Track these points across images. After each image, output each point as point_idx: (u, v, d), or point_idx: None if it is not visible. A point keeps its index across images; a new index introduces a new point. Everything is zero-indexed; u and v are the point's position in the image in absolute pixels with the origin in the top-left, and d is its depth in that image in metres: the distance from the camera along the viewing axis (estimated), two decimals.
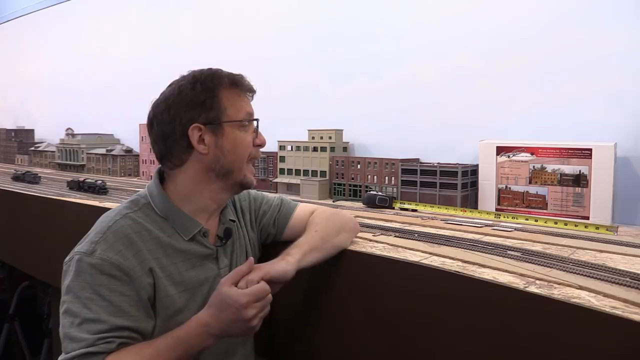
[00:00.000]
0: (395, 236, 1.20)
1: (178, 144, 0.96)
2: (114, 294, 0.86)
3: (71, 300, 0.85)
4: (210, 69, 1.00)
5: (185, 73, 1.00)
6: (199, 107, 0.95)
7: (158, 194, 0.99)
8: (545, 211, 1.49)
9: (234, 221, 1.08)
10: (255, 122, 1.02)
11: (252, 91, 1.02)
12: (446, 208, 1.56)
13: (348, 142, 2.07)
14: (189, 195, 0.99)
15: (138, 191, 1.04)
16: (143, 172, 2.74)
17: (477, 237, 1.21)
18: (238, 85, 0.99)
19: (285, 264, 0.95)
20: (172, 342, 0.86)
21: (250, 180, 1.02)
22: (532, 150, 1.52)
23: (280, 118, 2.36)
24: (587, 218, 1.42)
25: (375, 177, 1.82)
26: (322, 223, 1.09)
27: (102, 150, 3.00)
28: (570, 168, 1.45)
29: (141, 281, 0.89)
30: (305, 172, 2.03)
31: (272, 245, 1.16)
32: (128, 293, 0.87)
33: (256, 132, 1.02)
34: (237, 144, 0.98)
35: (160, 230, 0.96)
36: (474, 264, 0.95)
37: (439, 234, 1.22)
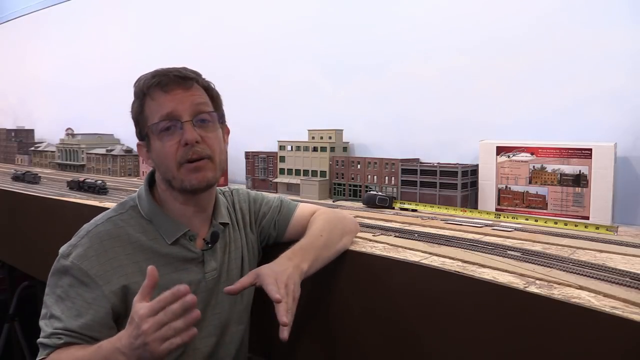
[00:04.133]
0: (395, 236, 1.20)
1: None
2: (78, 298, 0.90)
3: (48, 293, 0.93)
4: (142, 77, 0.96)
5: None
6: (136, 124, 0.98)
7: (145, 197, 1.00)
8: (545, 211, 1.49)
9: (225, 224, 1.07)
10: (171, 121, 0.92)
11: (175, 83, 0.93)
12: (446, 208, 1.56)
13: (348, 142, 2.07)
14: (163, 200, 1.01)
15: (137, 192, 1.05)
16: (143, 172, 2.74)
17: (477, 237, 1.21)
18: (154, 86, 0.93)
19: (287, 261, 0.93)
20: (96, 350, 0.82)
21: (189, 183, 0.94)
22: (532, 150, 1.52)
23: (280, 118, 2.37)
24: (587, 218, 1.42)
25: (375, 177, 1.82)
26: (326, 227, 1.06)
27: (102, 150, 3.00)
28: (570, 168, 1.45)
29: (107, 289, 0.90)
30: (305, 172, 2.03)
31: (273, 247, 1.16)
32: (90, 300, 0.89)
33: (161, 130, 0.93)
34: (159, 153, 0.95)
35: (144, 233, 0.97)
36: (474, 264, 0.95)
37: (439, 234, 1.22)
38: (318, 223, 1.09)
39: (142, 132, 0.97)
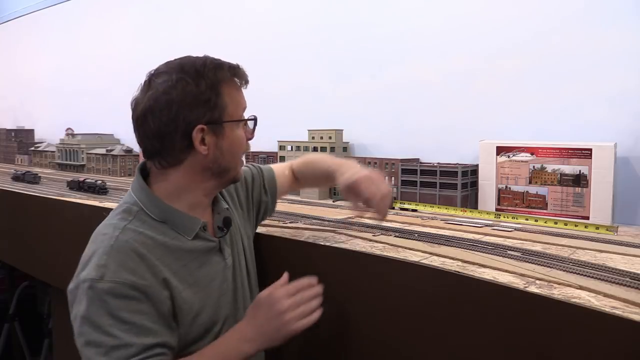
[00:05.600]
0: (395, 236, 1.20)
1: (177, 143, 0.90)
2: (135, 315, 0.82)
3: (90, 331, 0.81)
4: (209, 60, 0.94)
5: (174, 59, 0.94)
6: (204, 106, 0.90)
7: (148, 199, 0.93)
8: (545, 211, 1.49)
9: (227, 209, 1.06)
10: (251, 117, 0.99)
11: (247, 82, 0.98)
12: (446, 208, 1.56)
13: (348, 142, 2.07)
14: (181, 193, 0.95)
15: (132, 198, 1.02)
16: None
17: (477, 237, 1.21)
18: (238, 78, 0.96)
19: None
20: (211, 354, 0.88)
21: (241, 175, 1.02)
22: (532, 150, 1.51)
23: (280, 118, 2.36)
24: (587, 218, 1.42)
25: None
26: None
27: (102, 150, 3.00)
28: (570, 168, 1.45)
29: (158, 295, 0.86)
30: None
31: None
32: (147, 310, 0.84)
33: (252, 126, 1.00)
34: (234, 143, 0.96)
35: (163, 235, 0.92)
36: (474, 264, 0.95)
37: (439, 234, 1.22)
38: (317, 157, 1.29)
39: (219, 117, 0.92)
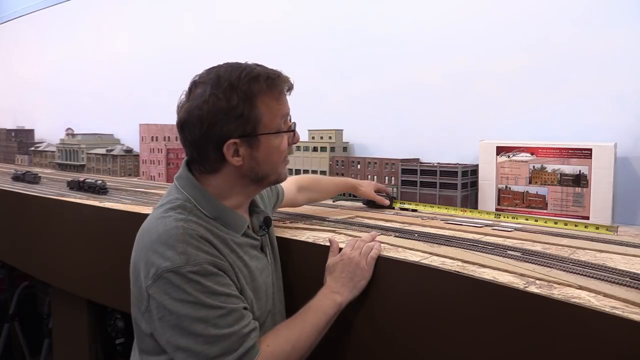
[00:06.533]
0: (395, 236, 1.20)
1: (211, 155, 0.94)
2: (224, 287, 0.89)
3: (192, 310, 0.85)
4: (246, 70, 0.93)
5: (217, 65, 0.95)
6: (235, 121, 0.91)
7: (202, 196, 0.97)
8: (545, 211, 1.49)
9: (263, 210, 1.12)
10: (290, 127, 1.01)
11: (290, 88, 0.99)
12: (446, 208, 1.56)
13: (348, 142, 2.06)
14: (224, 196, 0.99)
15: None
16: (143, 172, 2.73)
17: (477, 237, 1.21)
18: (276, 87, 0.95)
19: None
20: (308, 311, 0.97)
21: (284, 175, 1.04)
22: (532, 150, 1.51)
23: None
24: (587, 218, 1.42)
25: (375, 177, 1.82)
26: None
27: (102, 150, 2.99)
28: (570, 168, 1.45)
29: (231, 275, 0.92)
30: (306, 172, 2.02)
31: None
32: (230, 282, 0.91)
33: (293, 131, 1.02)
34: (271, 152, 0.97)
35: (218, 229, 0.96)
36: (474, 264, 0.95)
37: (439, 234, 1.22)
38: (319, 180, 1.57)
39: (253, 129, 0.93)
